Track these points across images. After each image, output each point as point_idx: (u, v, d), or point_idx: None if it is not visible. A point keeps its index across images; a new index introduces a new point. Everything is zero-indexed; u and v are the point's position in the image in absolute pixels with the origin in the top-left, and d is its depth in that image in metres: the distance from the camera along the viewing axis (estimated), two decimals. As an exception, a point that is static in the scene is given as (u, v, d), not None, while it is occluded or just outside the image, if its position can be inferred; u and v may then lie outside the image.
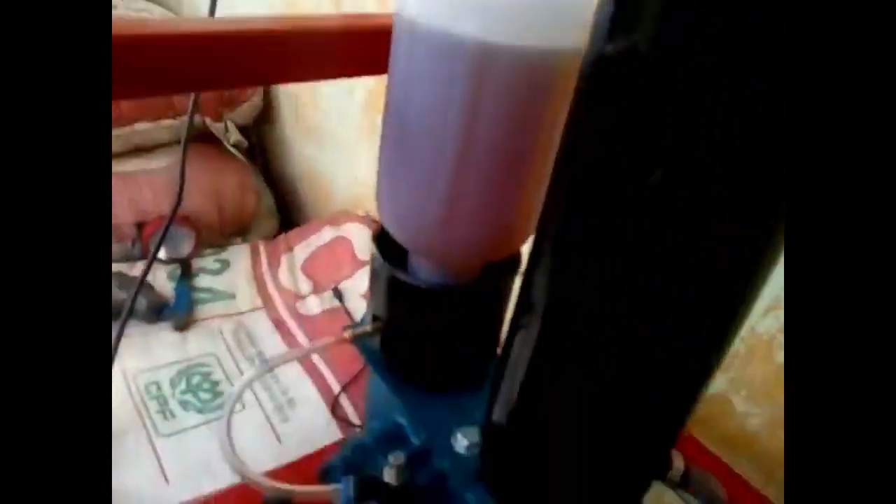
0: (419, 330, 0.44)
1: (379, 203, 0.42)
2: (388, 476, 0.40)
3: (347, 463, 0.46)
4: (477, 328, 0.44)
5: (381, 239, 0.45)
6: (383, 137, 0.39)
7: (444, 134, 0.35)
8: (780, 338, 0.71)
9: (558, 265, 0.31)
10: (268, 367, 0.43)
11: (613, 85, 0.25)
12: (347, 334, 0.45)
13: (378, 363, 0.47)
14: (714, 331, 0.30)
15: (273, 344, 1.13)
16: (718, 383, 0.79)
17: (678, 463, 0.41)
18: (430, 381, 0.46)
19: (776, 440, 0.75)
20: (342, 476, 0.42)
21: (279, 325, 1.16)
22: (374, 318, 0.46)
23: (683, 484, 0.40)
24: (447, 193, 0.36)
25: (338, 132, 1.45)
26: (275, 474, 0.52)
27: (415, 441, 0.46)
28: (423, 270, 0.43)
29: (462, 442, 0.43)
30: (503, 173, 0.36)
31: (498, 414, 0.37)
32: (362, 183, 1.41)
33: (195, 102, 0.71)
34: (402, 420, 0.47)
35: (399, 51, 0.35)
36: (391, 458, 0.40)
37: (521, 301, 0.34)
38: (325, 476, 0.49)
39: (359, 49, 0.39)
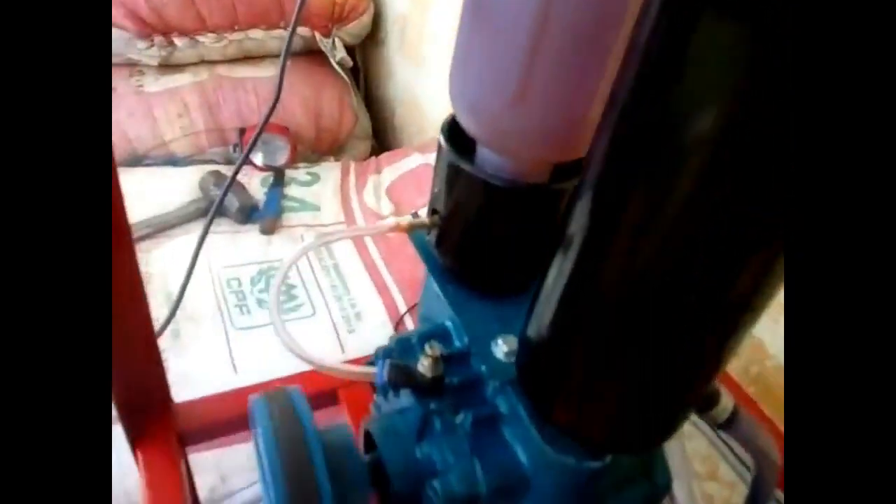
0: (477, 227, 0.42)
1: (451, 88, 0.39)
2: (423, 366, 0.40)
3: (390, 353, 0.46)
4: (537, 231, 0.41)
5: (451, 130, 0.43)
6: (462, 12, 0.37)
7: (520, 7, 0.32)
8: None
9: (606, 182, 0.28)
10: (321, 241, 0.43)
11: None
12: (403, 223, 0.44)
13: (430, 259, 0.46)
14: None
15: (349, 257, 1.15)
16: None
17: (726, 402, 0.38)
18: (480, 282, 0.44)
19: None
20: (382, 361, 0.42)
21: (357, 240, 1.17)
22: (433, 212, 0.45)
23: (727, 425, 0.37)
24: (521, 71, 0.33)
25: (441, 58, 1.42)
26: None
27: (458, 343, 0.45)
28: (490, 164, 0.40)
29: (502, 348, 0.41)
30: (580, 57, 0.32)
31: (534, 326, 0.35)
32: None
33: (298, 13, 0.70)
34: (448, 322, 0.46)
35: None
36: (427, 348, 0.39)
37: (567, 211, 0.31)
38: (371, 364, 0.49)
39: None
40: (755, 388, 0.80)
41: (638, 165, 0.26)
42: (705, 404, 0.37)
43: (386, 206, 1.26)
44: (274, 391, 0.42)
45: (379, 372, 0.40)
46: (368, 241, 1.17)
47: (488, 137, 0.39)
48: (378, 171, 1.36)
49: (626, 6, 0.31)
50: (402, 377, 0.39)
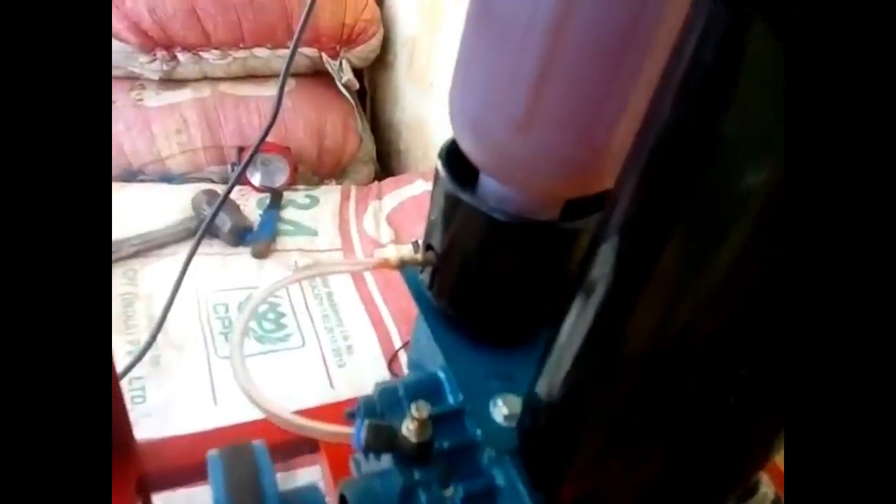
0: (477, 266, 0.36)
1: (451, 107, 0.34)
2: (408, 429, 0.34)
3: (373, 408, 0.40)
4: (545, 274, 0.36)
5: (451, 156, 0.37)
6: (466, 24, 0.32)
7: (532, 18, 0.27)
8: None
9: (640, 225, 0.23)
10: (303, 274, 0.38)
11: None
12: (392, 260, 0.39)
13: (423, 300, 0.40)
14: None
15: (344, 286, 1.09)
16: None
17: (766, 491, 0.32)
18: (479, 329, 0.38)
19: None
20: (361, 420, 0.36)
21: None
22: (428, 248, 0.39)
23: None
24: (530, 88, 0.28)
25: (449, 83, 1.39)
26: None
27: (450, 399, 0.39)
28: (494, 195, 0.35)
29: (502, 410, 0.35)
30: (602, 72, 0.27)
31: (543, 386, 0.30)
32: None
33: (302, 29, 0.66)
34: (440, 372, 0.40)
35: None
36: (414, 409, 0.33)
37: (589, 254, 0.26)
38: (351, 418, 0.43)
39: None
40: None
41: (681, 208, 0.20)
42: (742, 493, 0.31)
43: (386, 234, 1.21)
44: (234, 447, 0.37)
45: (356, 433, 0.34)
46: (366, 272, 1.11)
47: (492, 165, 0.33)
48: (379, 197, 1.32)
49: (663, 14, 0.25)
50: (383, 441, 0.33)
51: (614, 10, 0.25)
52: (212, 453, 0.37)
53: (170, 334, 0.96)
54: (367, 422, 0.34)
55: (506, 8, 0.28)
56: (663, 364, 0.24)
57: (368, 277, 1.11)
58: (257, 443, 0.38)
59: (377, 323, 1.03)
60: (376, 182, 1.41)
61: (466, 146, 0.34)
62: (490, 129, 0.31)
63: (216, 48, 1.39)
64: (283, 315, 1.04)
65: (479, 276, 0.37)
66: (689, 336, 0.23)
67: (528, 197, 0.34)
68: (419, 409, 0.33)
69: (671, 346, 0.24)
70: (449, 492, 0.34)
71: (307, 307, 1.06)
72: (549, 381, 0.30)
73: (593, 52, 0.27)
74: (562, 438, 0.30)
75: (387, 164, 1.72)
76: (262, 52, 1.44)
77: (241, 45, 1.41)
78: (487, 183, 0.35)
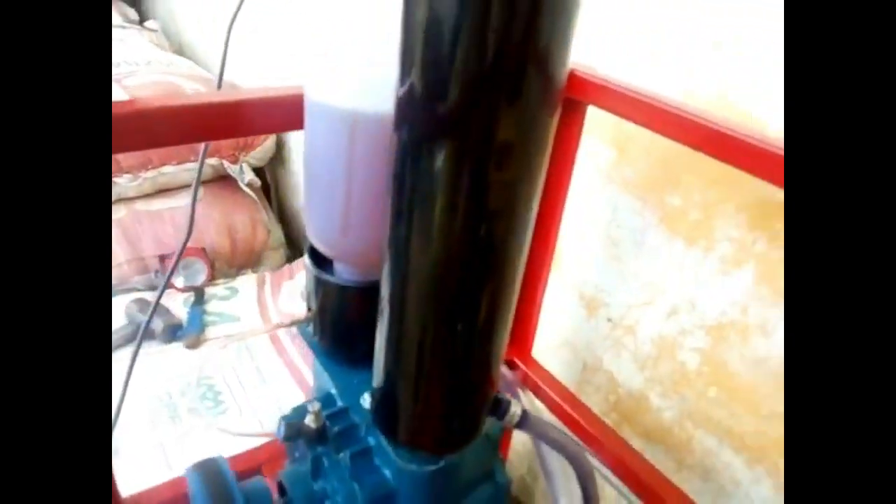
0: (338, 315, 0.59)
1: (305, 220, 0.57)
2: (309, 420, 0.55)
3: (289, 418, 0.61)
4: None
5: (314, 250, 0.60)
6: (304, 174, 0.55)
7: (334, 176, 0.50)
8: (681, 339, 0.84)
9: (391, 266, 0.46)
10: (223, 342, 0.58)
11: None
12: (286, 321, 0.60)
13: (313, 344, 0.62)
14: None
15: (269, 357, 1.28)
16: (636, 382, 0.92)
17: (515, 408, 0.54)
18: (348, 356, 0.61)
19: (685, 430, 0.86)
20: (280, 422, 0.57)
21: (275, 342, 1.31)
22: (309, 309, 0.61)
23: (521, 425, 0.53)
24: (341, 215, 0.51)
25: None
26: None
27: (339, 403, 0.60)
28: (344, 271, 0.58)
29: (367, 401, 0.57)
30: (378, 203, 0.51)
31: (375, 379, 0.52)
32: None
33: (205, 151, 0.87)
34: (332, 389, 0.62)
35: (307, 114, 0.51)
36: (310, 407, 0.55)
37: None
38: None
39: (286, 112, 0.55)
40: (615, 413, 0.98)
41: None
42: (500, 412, 0.53)
43: (302, 308, 1.41)
44: (204, 460, 0.56)
45: (278, 430, 0.55)
46: (287, 342, 1.31)
47: (332, 254, 0.56)
48: (292, 277, 1.52)
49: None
50: (294, 430, 0.54)
51: (376, 173, 0.49)
52: (188, 468, 0.56)
53: (121, 426, 1.11)
54: (282, 420, 0.55)
55: (320, 173, 0.51)
56: (414, 346, 0.46)
57: (289, 347, 1.30)
58: (219, 456, 0.57)
59: (302, 384, 1.22)
60: (288, 265, 1.61)
61: (317, 246, 0.57)
62: (326, 235, 0.54)
63: (127, 172, 1.57)
64: (219, 393, 1.22)
65: (342, 322, 0.59)
66: (423, 323, 0.45)
67: (358, 268, 0.57)
68: (313, 406, 0.54)
69: (416, 334, 0.46)
70: (342, 455, 0.55)
71: (240, 381, 1.23)
72: (376, 375, 0.52)
73: (371, 199, 0.50)
74: (388, 404, 0.52)
75: (298, 245, 1.92)
76: (169, 168, 1.63)
77: (150, 167, 1.60)
78: (337, 264, 0.58)
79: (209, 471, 0.55)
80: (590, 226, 0.93)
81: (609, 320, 0.94)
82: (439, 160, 0.38)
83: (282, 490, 0.58)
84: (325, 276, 0.57)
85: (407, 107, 0.39)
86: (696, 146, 0.59)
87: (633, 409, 0.93)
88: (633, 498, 0.80)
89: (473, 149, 0.38)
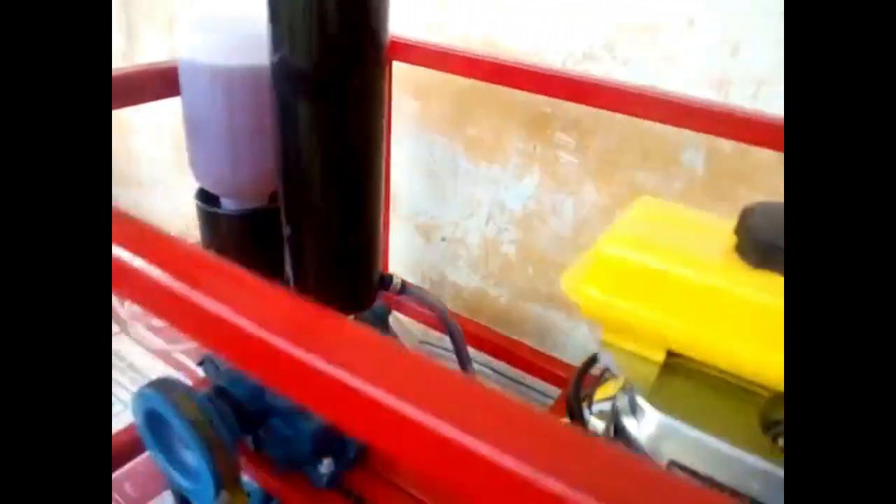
0: (229, 242, 0.73)
1: (192, 168, 0.70)
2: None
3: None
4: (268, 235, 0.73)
5: (202, 191, 0.73)
6: (186, 130, 0.68)
7: (219, 126, 0.65)
8: (500, 237, 1.07)
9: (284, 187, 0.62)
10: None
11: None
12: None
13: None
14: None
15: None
16: (475, 282, 1.14)
17: (397, 280, 0.73)
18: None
19: (518, 307, 1.11)
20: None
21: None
22: (205, 248, 0.74)
23: (402, 292, 0.72)
24: (229, 157, 0.66)
25: (153, 175, 1.65)
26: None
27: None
28: (230, 204, 0.72)
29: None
30: (257, 144, 0.66)
31: (290, 263, 0.68)
32: (184, 215, 1.62)
33: None
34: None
35: (184, 77, 0.65)
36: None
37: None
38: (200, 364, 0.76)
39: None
40: (465, 312, 1.19)
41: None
42: (385, 284, 0.71)
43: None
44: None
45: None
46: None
47: (221, 192, 0.71)
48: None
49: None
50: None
51: (254, 112, 0.64)
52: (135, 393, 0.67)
53: None
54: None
55: (205, 124, 0.65)
56: (302, 234, 0.63)
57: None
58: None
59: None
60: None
61: (206, 186, 0.70)
62: (215, 175, 0.68)
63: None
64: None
65: (231, 247, 0.73)
66: (304, 211, 0.62)
67: (246, 200, 0.71)
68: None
69: (304, 219, 0.63)
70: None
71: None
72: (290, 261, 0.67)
73: (251, 130, 0.65)
74: (299, 278, 0.68)
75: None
76: None
77: None
78: (224, 199, 0.72)
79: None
80: (415, 167, 1.13)
81: (443, 239, 1.16)
82: (310, 110, 0.56)
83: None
84: (216, 209, 0.71)
85: (280, 71, 0.56)
86: (487, 78, 0.82)
87: (478, 304, 1.16)
88: (488, 358, 1.03)
89: (334, 97, 0.56)
